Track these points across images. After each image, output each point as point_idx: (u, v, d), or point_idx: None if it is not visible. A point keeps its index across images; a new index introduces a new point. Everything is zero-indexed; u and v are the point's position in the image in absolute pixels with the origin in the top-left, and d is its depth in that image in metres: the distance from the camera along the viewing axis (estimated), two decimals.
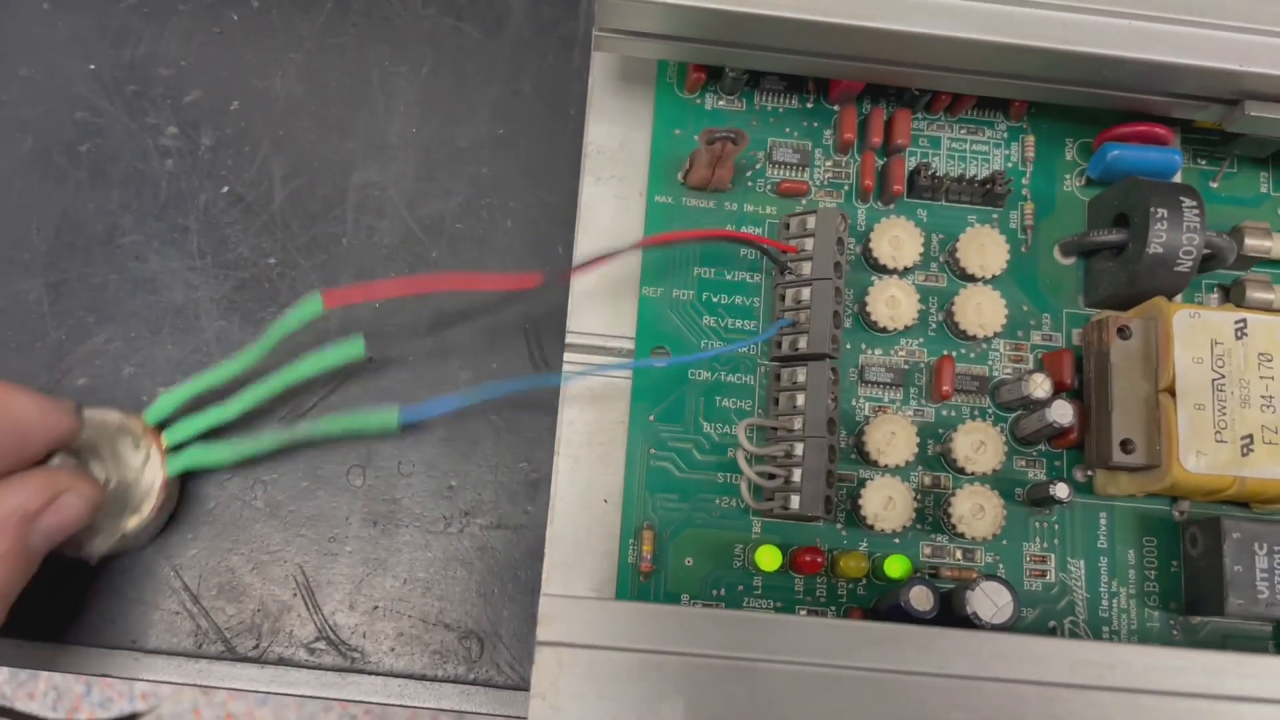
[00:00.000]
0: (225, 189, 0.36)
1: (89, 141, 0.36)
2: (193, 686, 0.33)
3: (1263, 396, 0.31)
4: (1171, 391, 0.31)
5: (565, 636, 0.24)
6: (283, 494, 0.34)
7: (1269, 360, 0.32)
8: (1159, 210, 0.32)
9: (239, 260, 0.36)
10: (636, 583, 0.32)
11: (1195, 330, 0.32)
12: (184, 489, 0.34)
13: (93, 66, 0.37)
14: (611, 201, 0.35)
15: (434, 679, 0.33)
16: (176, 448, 0.32)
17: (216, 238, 0.36)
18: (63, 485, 0.29)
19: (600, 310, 0.34)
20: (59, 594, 0.33)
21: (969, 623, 0.29)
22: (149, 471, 0.32)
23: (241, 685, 0.33)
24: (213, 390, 0.32)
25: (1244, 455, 0.31)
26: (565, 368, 0.34)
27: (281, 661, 0.33)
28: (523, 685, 0.33)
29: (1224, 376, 0.31)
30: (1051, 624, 0.32)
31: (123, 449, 0.32)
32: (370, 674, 0.33)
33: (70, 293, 0.35)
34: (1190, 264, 0.32)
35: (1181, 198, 0.32)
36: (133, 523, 0.31)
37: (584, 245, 0.35)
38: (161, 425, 0.32)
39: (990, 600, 0.29)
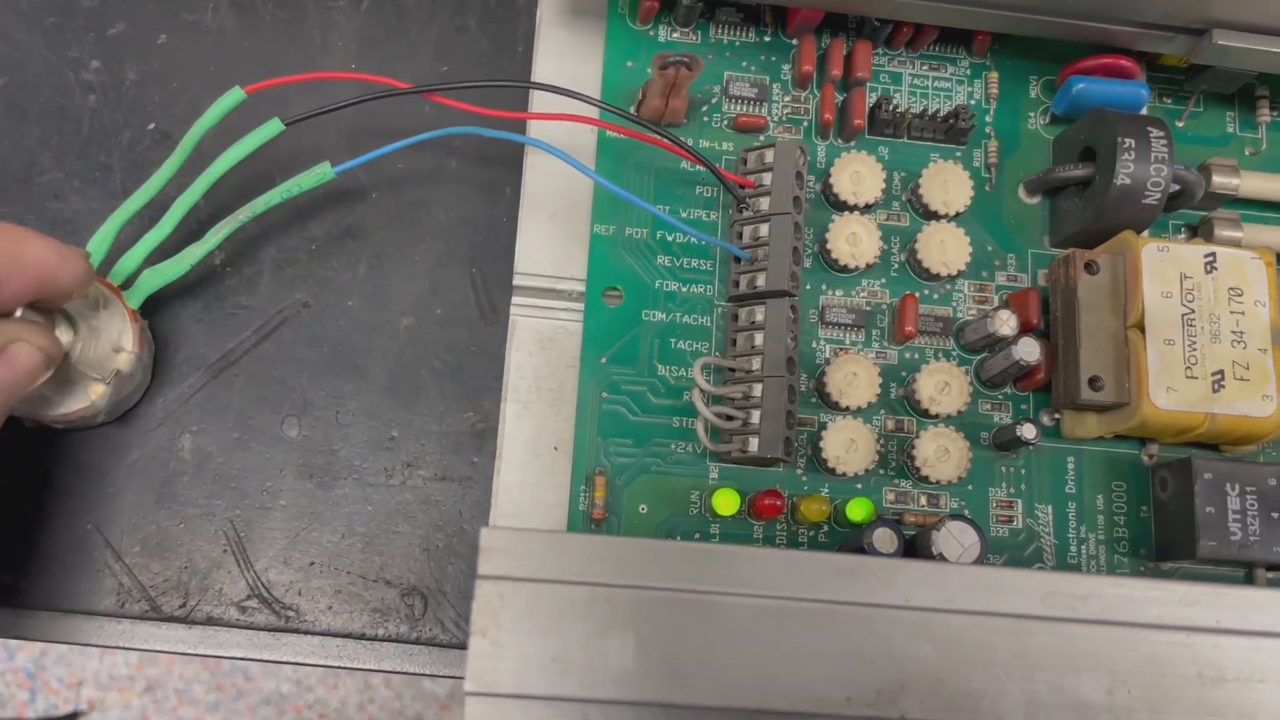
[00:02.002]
0: (151, 126, 0.34)
1: (5, 75, 0.34)
2: (114, 649, 0.31)
3: (1233, 331, 0.30)
4: (1140, 327, 0.30)
5: (507, 570, 0.23)
6: (212, 445, 0.32)
7: (1239, 295, 0.31)
8: (1126, 140, 0.31)
9: (165, 200, 0.33)
10: (588, 531, 0.30)
11: (1164, 264, 0.31)
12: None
13: None
14: (562, 138, 0.33)
15: (374, 638, 0.31)
16: (128, 284, 0.31)
17: (141, 177, 0.33)
18: (11, 335, 0.26)
19: (549, 250, 0.33)
20: None
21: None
22: (115, 319, 0.30)
23: (167, 647, 0.31)
24: (142, 215, 0.30)
25: (1215, 391, 0.30)
26: (513, 311, 0.32)
27: (210, 621, 0.31)
28: (467, 644, 0.31)
29: (1194, 311, 0.30)
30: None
31: (81, 307, 0.29)
32: (306, 633, 0.31)
33: None
34: (1158, 196, 0.31)
35: (1149, 128, 0.31)
36: (115, 371, 0.29)
37: (532, 183, 0.33)
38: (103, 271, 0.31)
39: (957, 541, 0.28)
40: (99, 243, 0.30)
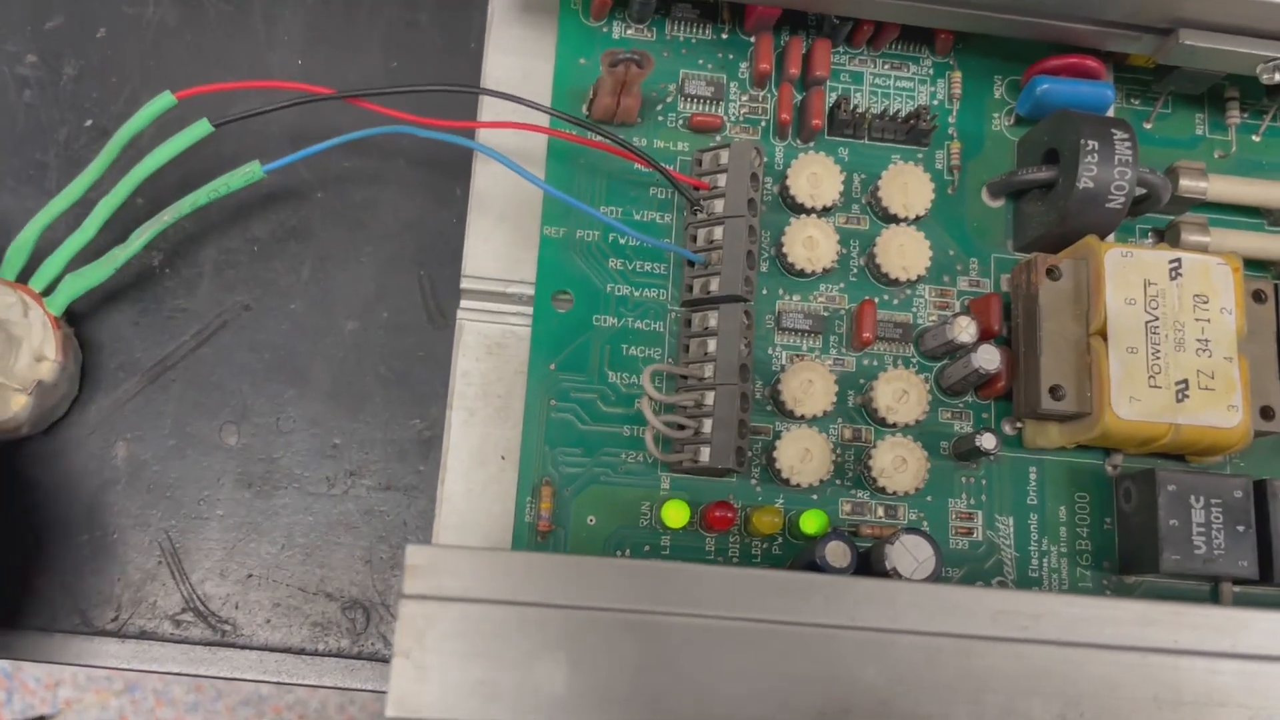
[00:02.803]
0: (89, 122, 0.33)
1: None
2: (49, 667, 0.30)
3: (1198, 340, 0.30)
4: (1103, 335, 0.29)
5: (434, 589, 0.22)
6: (147, 453, 0.31)
7: (1204, 302, 0.30)
8: (1089, 142, 0.30)
9: (90, 203, 0.32)
10: (534, 543, 0.29)
11: (1128, 270, 0.30)
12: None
13: None
14: (512, 137, 0.32)
15: (314, 653, 0.30)
16: (50, 290, 0.29)
17: (78, 175, 0.33)
18: None
19: (498, 253, 0.32)
20: None
21: (888, 580, 0.27)
22: (36, 327, 0.29)
23: (99, 662, 0.30)
24: (66, 219, 0.30)
25: (1179, 401, 0.29)
26: (460, 315, 0.31)
27: (144, 635, 0.30)
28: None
29: (1158, 319, 0.30)
30: (978, 584, 0.30)
31: (22, 348, 0.28)
32: (243, 648, 0.30)
33: None
34: (1122, 200, 0.30)
35: (1113, 130, 0.30)
36: (37, 381, 0.28)
37: (481, 184, 0.32)
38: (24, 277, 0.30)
39: (911, 555, 0.27)
40: (19, 248, 0.29)
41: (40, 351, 0.28)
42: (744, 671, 0.22)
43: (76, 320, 0.31)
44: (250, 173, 0.29)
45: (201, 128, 0.29)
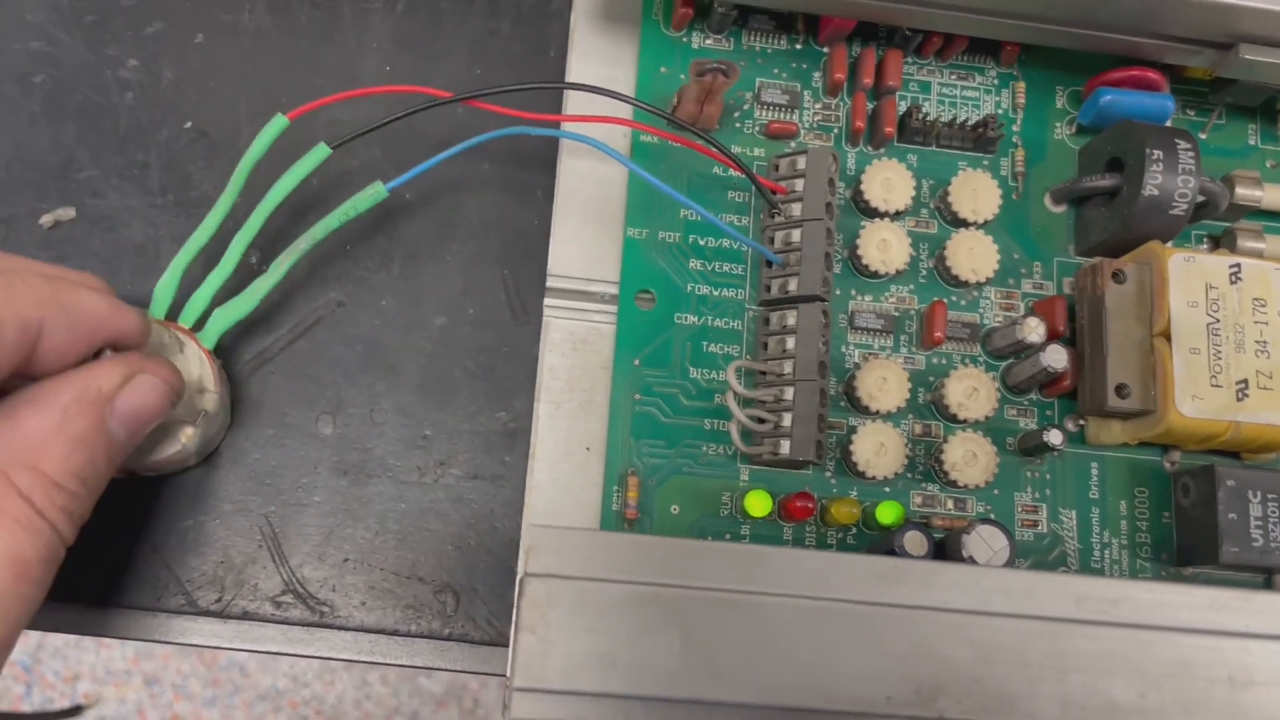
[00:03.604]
0: (188, 124, 0.34)
1: (44, 72, 0.34)
2: (151, 642, 0.31)
3: (1257, 341, 0.31)
4: (1166, 336, 0.31)
5: (554, 568, 0.23)
6: (248, 441, 0.32)
7: (1263, 305, 0.31)
8: (1154, 152, 0.31)
9: (202, 198, 0.34)
10: (622, 530, 0.31)
11: (1190, 274, 0.31)
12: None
13: None
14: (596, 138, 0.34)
15: (407, 634, 0.32)
16: (199, 325, 0.31)
17: (179, 175, 0.34)
18: (137, 366, 0.26)
19: (582, 253, 0.33)
20: None
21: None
22: (193, 361, 0.30)
23: (203, 640, 0.31)
24: (203, 252, 0.31)
25: (1239, 400, 0.30)
26: (546, 312, 0.33)
27: (246, 616, 0.31)
28: (500, 640, 0.32)
29: (1219, 321, 0.31)
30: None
31: (160, 353, 0.29)
32: (340, 629, 0.31)
33: (22, 229, 0.33)
34: (1185, 207, 0.31)
35: (1177, 140, 0.32)
36: (202, 412, 0.30)
37: (565, 186, 0.33)
38: (173, 315, 0.31)
39: (986, 544, 0.29)
40: (165, 286, 0.30)
41: (201, 384, 0.30)
42: (844, 650, 0.23)
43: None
44: (375, 193, 0.30)
45: (320, 151, 0.30)
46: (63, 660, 1.06)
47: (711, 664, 0.23)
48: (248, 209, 0.31)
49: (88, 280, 0.26)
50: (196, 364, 0.30)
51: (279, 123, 0.30)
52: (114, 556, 0.31)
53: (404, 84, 0.35)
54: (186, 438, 0.29)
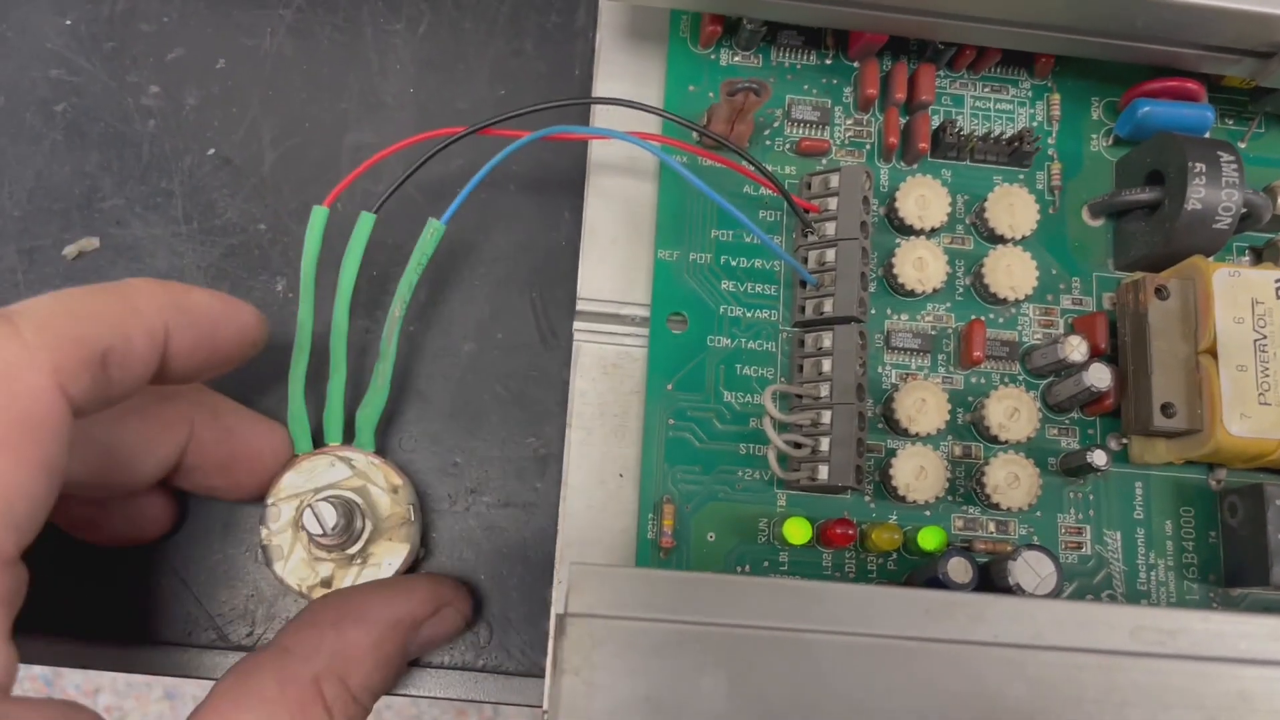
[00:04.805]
0: (211, 151, 0.34)
1: (65, 101, 0.34)
2: (183, 678, 0.31)
3: None
4: (1212, 353, 0.30)
5: (595, 607, 0.22)
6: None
7: None
8: (1197, 165, 0.31)
9: (227, 226, 0.34)
10: (657, 560, 0.30)
11: (1235, 289, 0.30)
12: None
13: (69, 22, 0.35)
14: (622, 161, 0.33)
15: (440, 666, 0.31)
16: (350, 435, 0.31)
17: (203, 202, 0.34)
18: (447, 598, 0.29)
19: (612, 276, 0.33)
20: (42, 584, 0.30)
21: (1011, 595, 0.27)
22: (370, 471, 0.30)
23: None
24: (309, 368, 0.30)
25: None
26: (576, 336, 0.32)
27: None
28: (535, 671, 0.31)
29: (1266, 337, 0.30)
30: (1089, 597, 0.31)
31: (346, 493, 0.29)
32: None
33: (46, 260, 0.33)
34: (1229, 221, 0.31)
35: (1219, 152, 0.31)
36: (409, 506, 0.30)
37: (595, 208, 0.33)
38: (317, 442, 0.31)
39: (1033, 570, 0.28)
40: (296, 417, 0.30)
41: (389, 484, 0.30)
42: (894, 688, 0.23)
43: None
44: (435, 231, 0.29)
45: (367, 221, 0.29)
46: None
47: (759, 705, 0.22)
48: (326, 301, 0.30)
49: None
50: (371, 470, 0.30)
51: (321, 214, 0.29)
52: (144, 592, 0.31)
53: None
54: (405, 536, 0.30)
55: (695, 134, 0.32)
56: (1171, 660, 0.24)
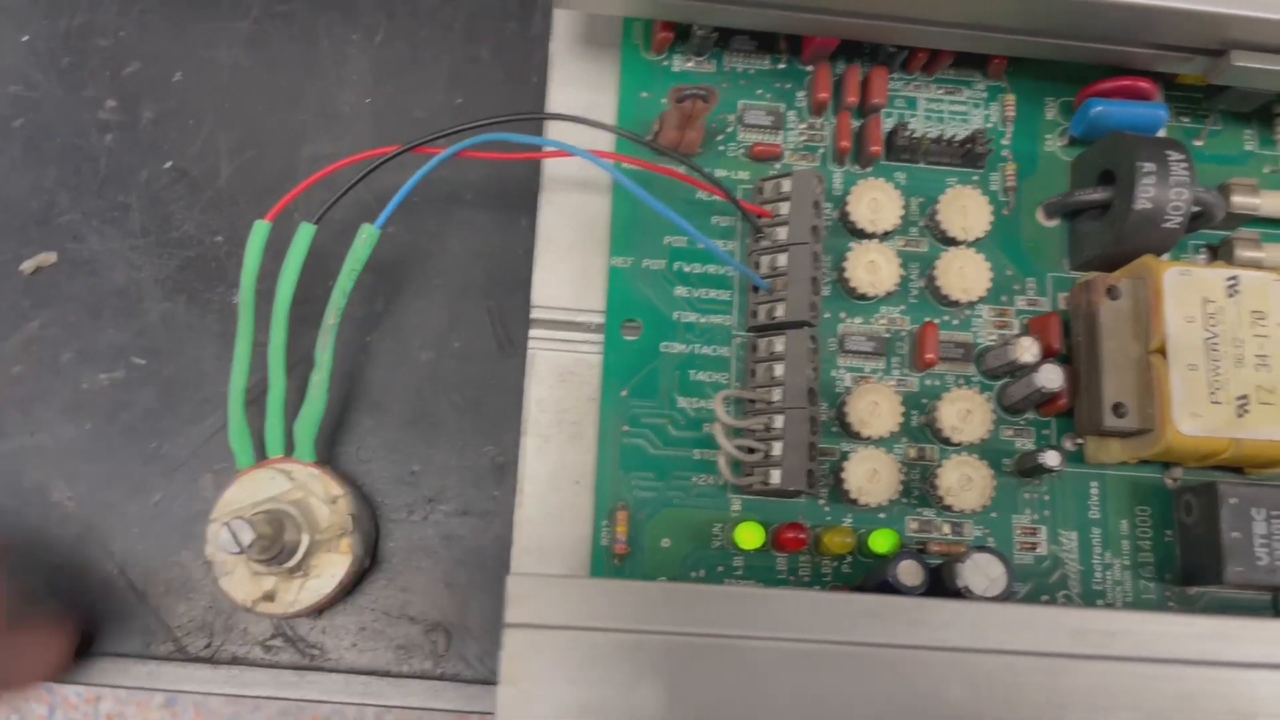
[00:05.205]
0: (168, 164, 0.34)
1: (22, 116, 0.34)
2: (142, 690, 0.31)
3: (1257, 355, 0.30)
4: (1163, 352, 0.30)
5: (536, 618, 0.23)
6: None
7: (1262, 318, 0.30)
8: (1146, 165, 0.31)
9: (184, 238, 0.34)
10: (611, 566, 0.30)
11: (1186, 288, 0.30)
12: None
13: (26, 38, 0.35)
14: (577, 169, 0.33)
15: (399, 675, 0.31)
16: (290, 447, 0.31)
17: (160, 215, 0.34)
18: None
19: (567, 283, 0.33)
20: None
21: (960, 598, 0.28)
22: (310, 482, 0.30)
23: (193, 687, 0.31)
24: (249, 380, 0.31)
25: (1239, 416, 0.30)
26: (531, 344, 0.32)
27: (235, 661, 0.31)
28: (493, 679, 0.31)
29: (1217, 336, 0.30)
30: (1044, 598, 0.31)
31: (276, 499, 0.29)
32: (331, 671, 0.31)
33: (3, 275, 0.33)
34: (1179, 220, 0.31)
35: (1168, 151, 0.31)
36: (350, 516, 0.30)
37: (547, 216, 0.33)
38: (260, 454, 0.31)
39: (983, 573, 0.28)
40: (237, 432, 0.30)
41: (329, 495, 0.30)
42: (832, 693, 0.23)
43: (152, 354, 0.32)
44: (369, 237, 0.30)
45: (306, 231, 0.30)
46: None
47: (697, 712, 0.22)
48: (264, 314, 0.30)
49: None
50: (311, 481, 0.30)
51: (262, 229, 0.29)
52: (102, 605, 0.31)
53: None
54: (346, 548, 0.30)
55: (646, 143, 0.32)
56: (1112, 662, 0.24)
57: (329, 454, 0.32)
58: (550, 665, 0.22)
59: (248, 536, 0.26)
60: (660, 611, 0.23)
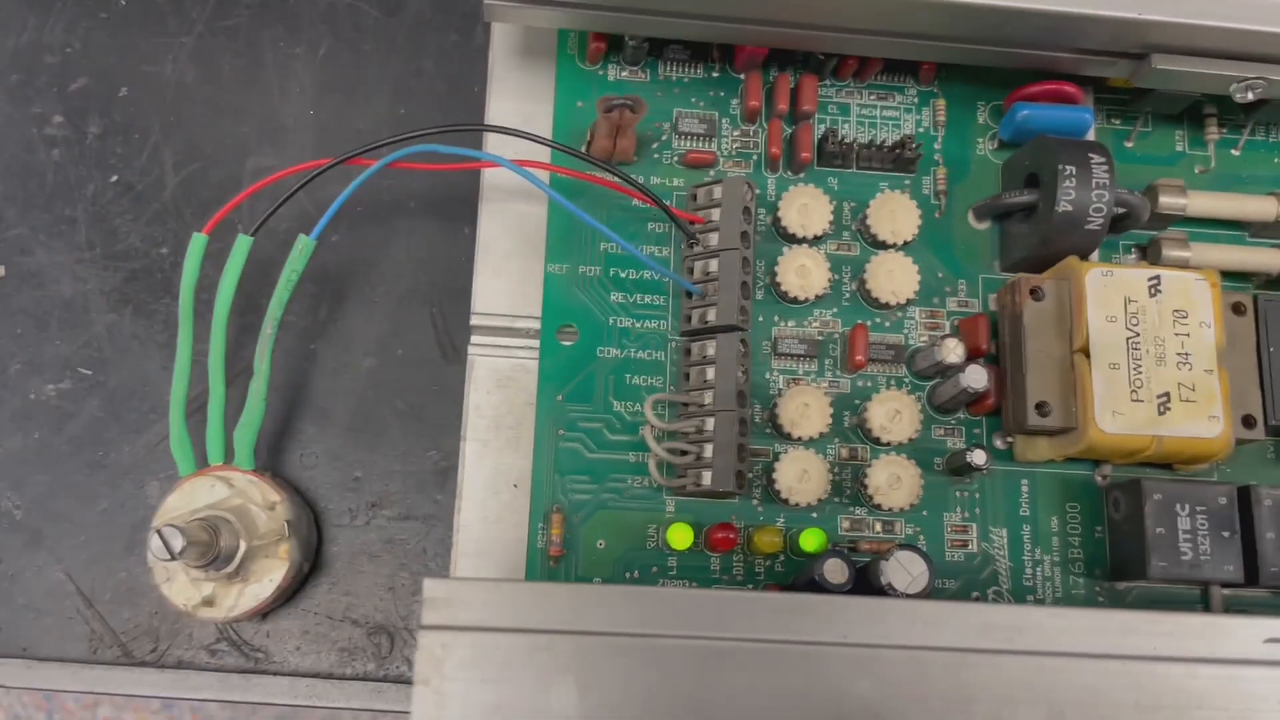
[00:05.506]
0: (114, 178, 0.35)
1: None
2: (89, 694, 0.31)
3: (1178, 354, 0.31)
4: (1086, 352, 0.31)
5: (450, 619, 0.23)
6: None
7: (1184, 317, 0.31)
8: (1067, 168, 0.31)
9: (130, 251, 0.34)
10: (546, 568, 0.31)
11: (1108, 289, 0.31)
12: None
13: None
14: (516, 178, 0.34)
15: (342, 677, 0.32)
16: (230, 455, 0.31)
17: (106, 228, 0.34)
18: None
19: (506, 289, 0.33)
20: None
21: (884, 595, 0.28)
22: (249, 490, 0.31)
23: (140, 691, 0.31)
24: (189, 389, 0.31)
25: (1161, 414, 0.30)
26: (471, 351, 0.33)
27: (181, 665, 0.32)
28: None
29: (1139, 335, 0.31)
30: (975, 595, 0.32)
31: (214, 508, 0.30)
32: (275, 674, 0.32)
33: None
34: (1101, 222, 0.31)
35: (1090, 154, 0.31)
36: (285, 523, 0.30)
37: (487, 224, 0.33)
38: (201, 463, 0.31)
39: (905, 570, 0.29)
40: (179, 442, 0.31)
41: (266, 501, 0.30)
42: (744, 690, 0.23)
43: (98, 365, 0.33)
44: (305, 248, 0.30)
45: (244, 243, 0.30)
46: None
47: (608, 711, 0.23)
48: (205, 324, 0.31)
49: None
50: (250, 489, 0.31)
51: (199, 241, 0.30)
52: (47, 611, 0.31)
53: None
54: (285, 553, 0.30)
55: (578, 154, 0.33)
56: (1018, 656, 0.24)
57: (273, 461, 0.33)
58: (463, 666, 0.23)
59: (178, 544, 0.27)
60: (570, 612, 0.24)
